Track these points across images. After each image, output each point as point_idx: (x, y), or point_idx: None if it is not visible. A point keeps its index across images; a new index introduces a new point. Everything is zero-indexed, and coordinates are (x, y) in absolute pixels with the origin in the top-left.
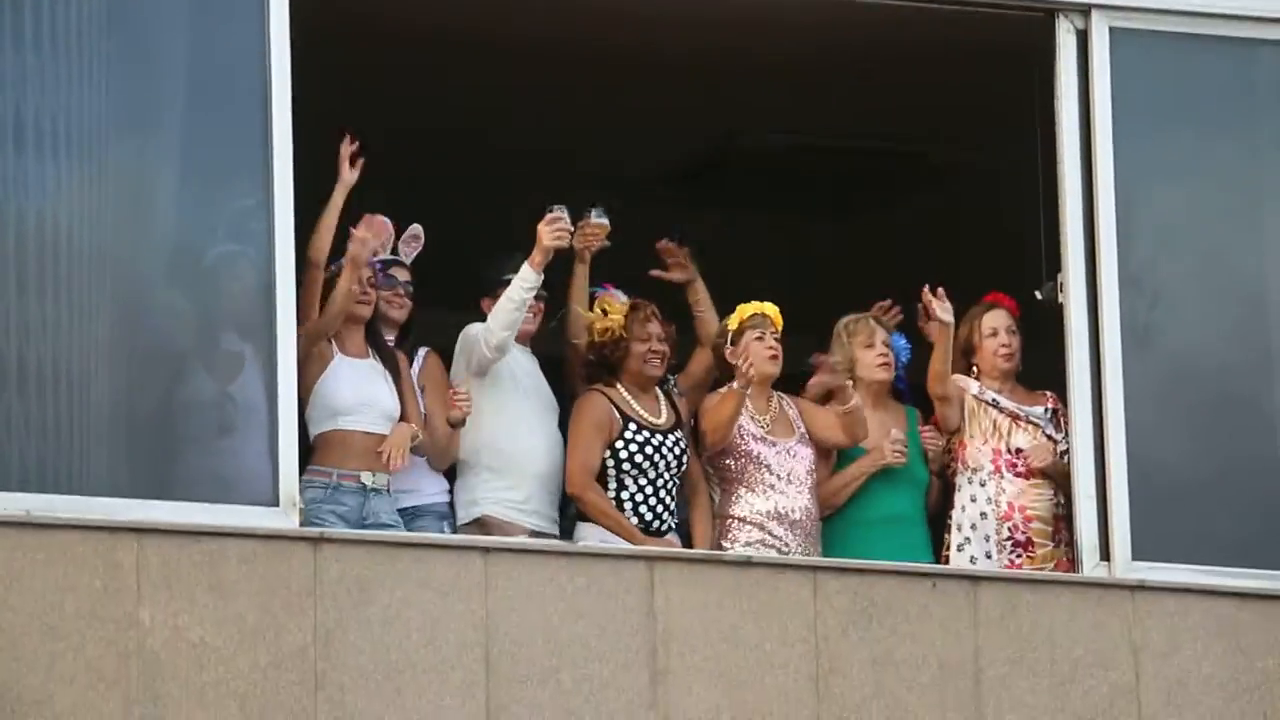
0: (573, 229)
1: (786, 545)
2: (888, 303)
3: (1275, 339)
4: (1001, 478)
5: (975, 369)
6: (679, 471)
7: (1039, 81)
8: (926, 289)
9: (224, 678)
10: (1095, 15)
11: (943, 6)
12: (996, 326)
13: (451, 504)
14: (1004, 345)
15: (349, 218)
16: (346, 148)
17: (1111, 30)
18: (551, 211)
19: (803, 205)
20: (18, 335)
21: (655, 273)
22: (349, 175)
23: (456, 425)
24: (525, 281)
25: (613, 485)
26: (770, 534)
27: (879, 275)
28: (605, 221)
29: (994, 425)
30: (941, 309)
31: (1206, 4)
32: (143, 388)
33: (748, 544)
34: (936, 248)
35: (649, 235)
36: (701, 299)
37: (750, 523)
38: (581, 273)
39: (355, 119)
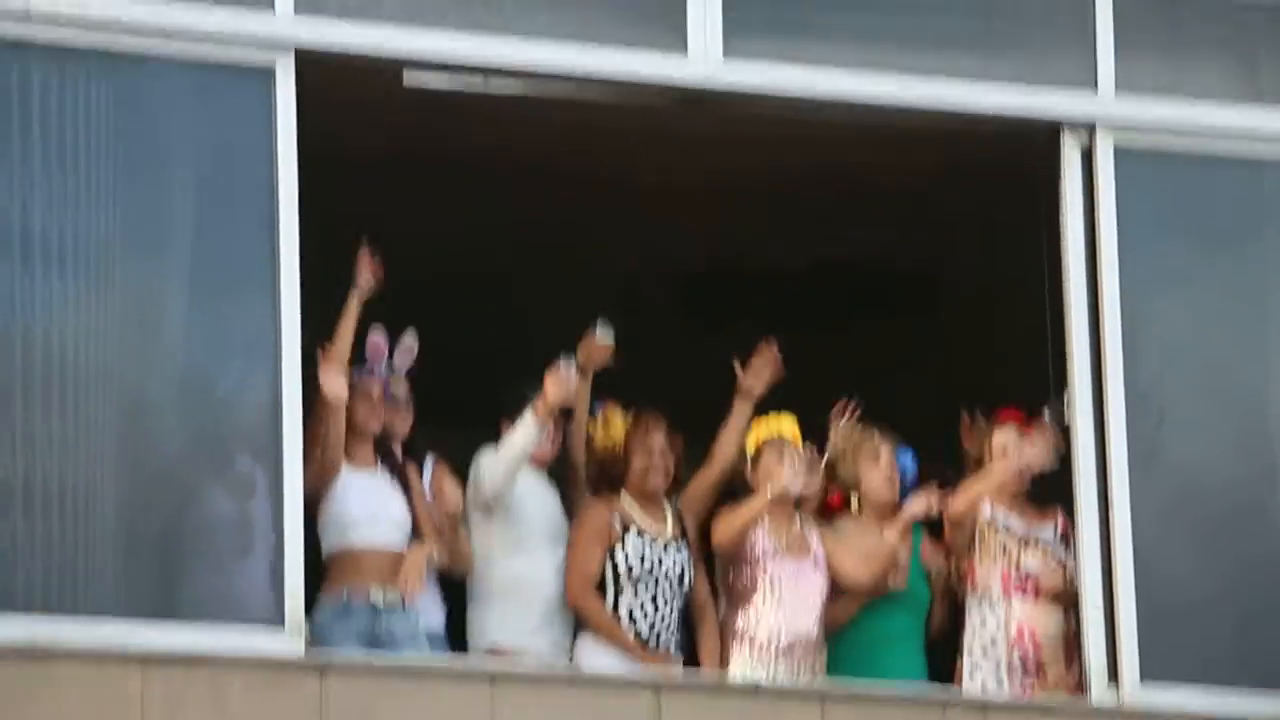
0: (576, 383)
1: (787, 666)
2: (844, 402)
3: None
4: (1011, 600)
5: None
6: (681, 588)
7: (1045, 198)
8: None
9: None
10: (1100, 133)
11: (947, 123)
12: (1006, 444)
13: (451, 633)
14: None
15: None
16: (364, 255)
17: (1117, 149)
18: (560, 366)
19: (808, 321)
20: (24, 453)
21: (736, 364)
22: (364, 282)
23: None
24: (528, 431)
25: (611, 594)
26: (771, 653)
27: (884, 390)
28: (610, 340)
29: (1003, 548)
30: (1014, 441)
31: (1211, 123)
32: (148, 507)
33: (749, 661)
34: (943, 363)
35: (653, 349)
36: (742, 417)
37: (752, 640)
38: (584, 388)
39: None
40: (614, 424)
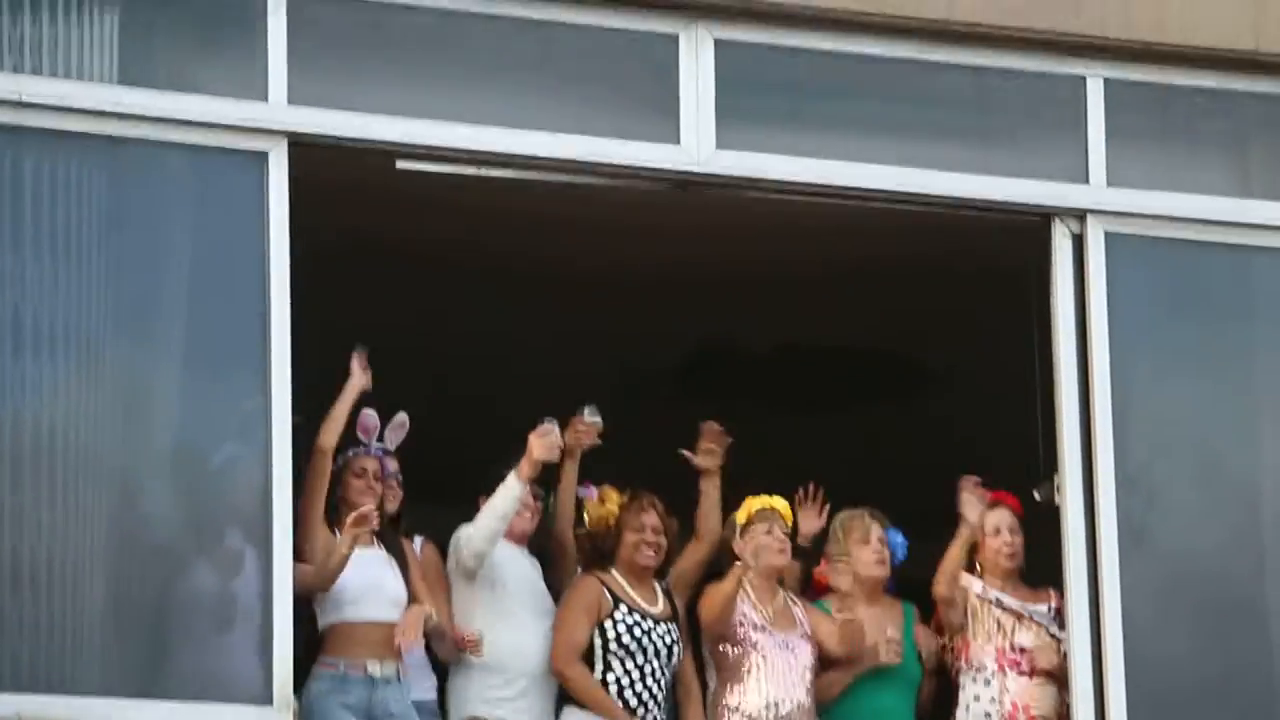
0: (562, 443)
1: None
2: (811, 489)
3: (1270, 540)
4: (1005, 676)
5: (979, 567)
6: (670, 664)
7: (1036, 284)
8: (964, 479)
9: None
10: (1091, 220)
11: (938, 211)
12: (1000, 525)
13: (442, 702)
14: (1007, 544)
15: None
16: (359, 356)
17: (1107, 235)
18: (543, 424)
19: (792, 403)
20: (12, 534)
21: (685, 452)
22: (361, 378)
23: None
24: (511, 492)
25: (599, 666)
26: None
27: (876, 473)
28: (598, 420)
29: (997, 624)
30: (968, 503)
31: (1201, 211)
32: (138, 587)
33: None
34: (935, 448)
35: (646, 431)
36: (712, 494)
37: (742, 713)
38: (571, 469)
39: (351, 321)
40: (609, 500)
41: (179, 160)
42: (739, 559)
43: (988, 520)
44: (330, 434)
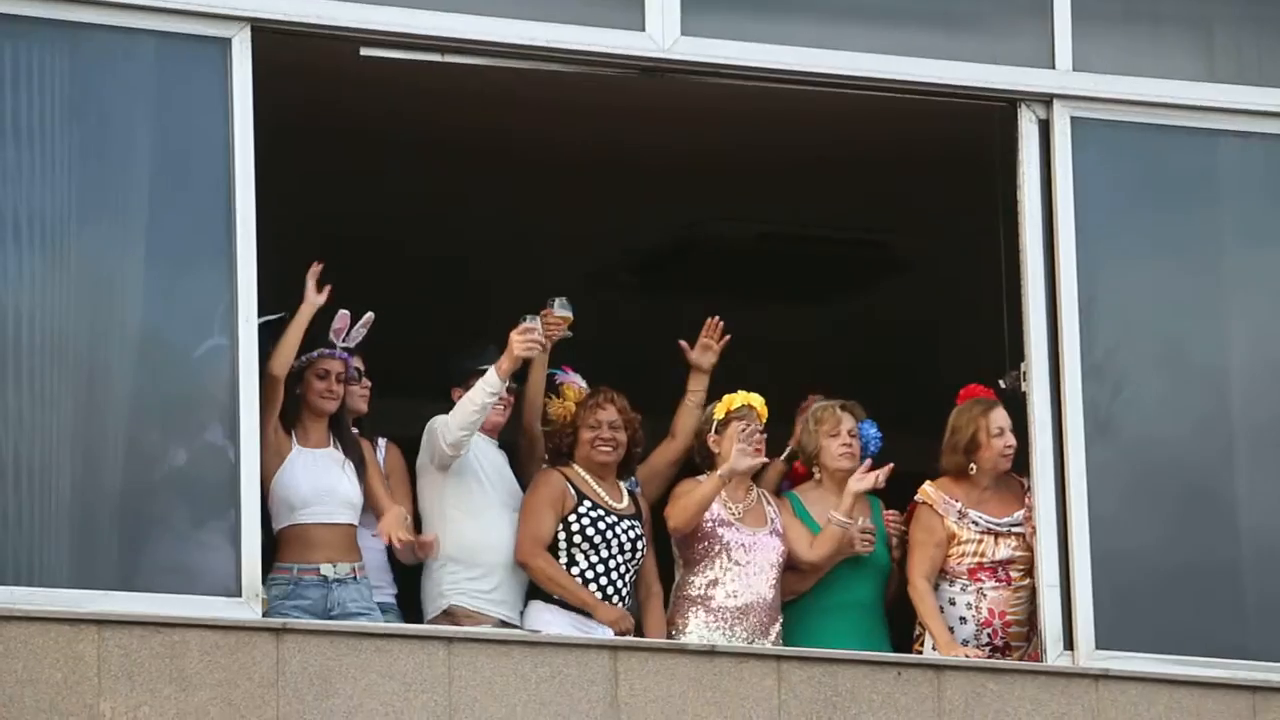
0: (544, 342)
1: (744, 631)
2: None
3: (1237, 426)
4: (982, 584)
5: (974, 466)
6: (633, 559)
7: (1002, 171)
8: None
9: None
10: (1057, 105)
11: (906, 97)
12: (1003, 426)
13: (412, 602)
14: (1009, 445)
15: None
16: (313, 273)
17: (1073, 120)
18: (525, 321)
19: (765, 293)
20: None
21: (683, 343)
22: (316, 298)
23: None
24: (489, 386)
25: (563, 560)
26: (720, 617)
27: (845, 362)
28: (569, 313)
29: (977, 541)
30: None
31: (1167, 95)
32: (105, 479)
33: (705, 625)
34: (901, 336)
35: (610, 322)
36: (700, 391)
37: (701, 604)
38: (541, 361)
39: (317, 207)
40: (568, 396)
41: (141, 47)
42: (712, 452)
43: (991, 420)
44: (282, 361)
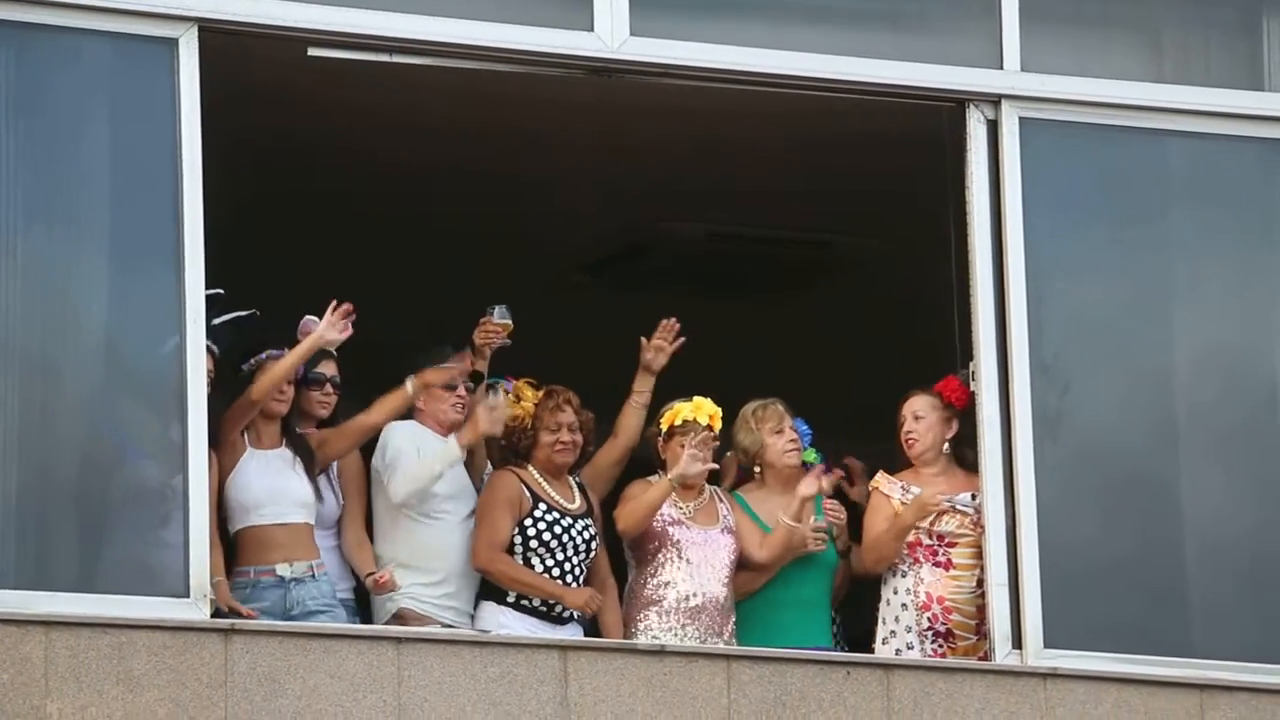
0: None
1: (695, 630)
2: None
3: (1183, 426)
4: (920, 566)
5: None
6: (587, 559)
7: (951, 171)
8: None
9: None
10: (1005, 106)
11: (854, 98)
12: (905, 414)
13: (358, 600)
14: (909, 432)
15: None
16: (343, 310)
17: (1021, 120)
18: (491, 396)
19: (716, 292)
20: None
21: (643, 339)
22: (331, 335)
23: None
24: (449, 455)
25: (520, 561)
26: (673, 618)
27: (792, 360)
28: (508, 320)
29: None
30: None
31: (1116, 95)
32: (52, 480)
33: (656, 624)
34: (851, 335)
35: (567, 321)
36: (646, 392)
37: (654, 604)
38: (481, 369)
39: (272, 208)
40: (525, 398)
41: (89, 46)
42: (662, 459)
43: (903, 409)
44: (264, 389)
